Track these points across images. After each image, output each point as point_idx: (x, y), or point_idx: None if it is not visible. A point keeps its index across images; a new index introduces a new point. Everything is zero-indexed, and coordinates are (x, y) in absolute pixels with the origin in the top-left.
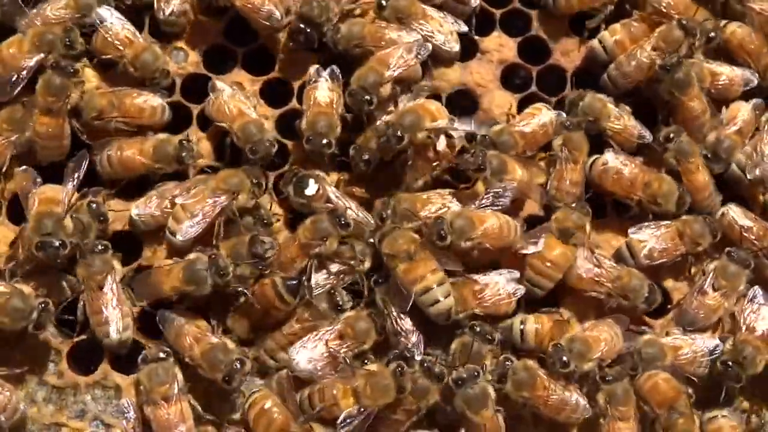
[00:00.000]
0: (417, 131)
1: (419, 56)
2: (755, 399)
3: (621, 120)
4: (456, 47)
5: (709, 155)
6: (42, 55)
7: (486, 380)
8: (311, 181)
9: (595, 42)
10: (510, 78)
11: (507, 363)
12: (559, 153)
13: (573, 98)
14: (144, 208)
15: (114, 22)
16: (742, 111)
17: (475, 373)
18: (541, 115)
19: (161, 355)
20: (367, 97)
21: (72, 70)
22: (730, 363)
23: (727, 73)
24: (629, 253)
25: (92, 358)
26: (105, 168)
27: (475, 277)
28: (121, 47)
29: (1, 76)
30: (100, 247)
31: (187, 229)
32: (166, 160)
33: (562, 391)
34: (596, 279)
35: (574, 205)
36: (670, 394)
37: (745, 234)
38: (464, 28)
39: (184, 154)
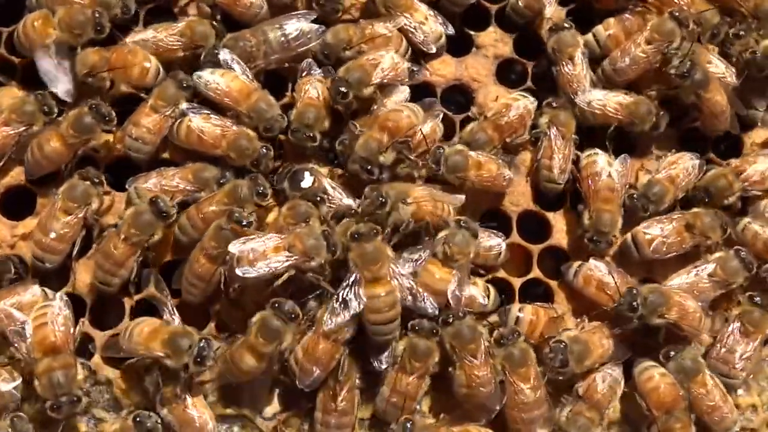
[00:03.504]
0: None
1: (406, 61)
2: None
3: (577, 68)
4: (433, 49)
5: (635, 195)
6: (70, 35)
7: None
8: (306, 174)
9: (589, 36)
10: (505, 73)
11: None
12: (547, 130)
13: (557, 24)
14: (142, 182)
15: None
16: (684, 161)
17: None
18: (517, 104)
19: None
20: (343, 89)
21: (107, 118)
22: None
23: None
24: (634, 245)
25: (83, 352)
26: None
27: None
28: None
29: (23, 47)
30: None
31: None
32: None
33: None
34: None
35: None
36: (670, 398)
37: None
38: (450, 31)
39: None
